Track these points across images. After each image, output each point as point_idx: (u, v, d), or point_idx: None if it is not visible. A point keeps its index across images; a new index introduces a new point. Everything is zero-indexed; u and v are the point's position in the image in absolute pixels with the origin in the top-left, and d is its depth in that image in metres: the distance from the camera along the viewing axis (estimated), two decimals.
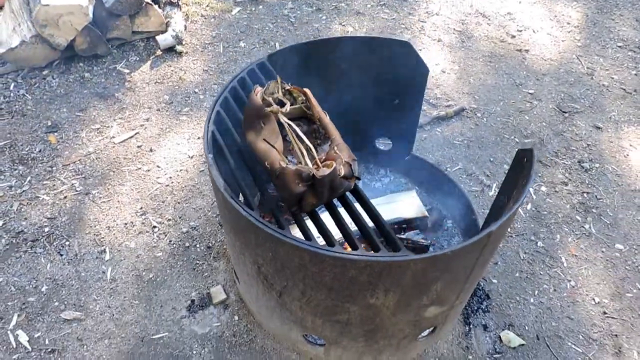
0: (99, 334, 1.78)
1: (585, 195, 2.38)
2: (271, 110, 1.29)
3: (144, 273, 1.96)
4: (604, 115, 2.82)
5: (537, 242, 2.16)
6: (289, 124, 1.28)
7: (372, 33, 3.29)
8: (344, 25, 3.38)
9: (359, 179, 1.31)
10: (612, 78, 3.08)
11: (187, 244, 2.06)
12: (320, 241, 1.25)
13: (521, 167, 1.50)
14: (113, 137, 2.51)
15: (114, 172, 2.34)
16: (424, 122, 2.67)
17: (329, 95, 2.01)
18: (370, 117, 2.12)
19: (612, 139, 2.68)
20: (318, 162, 1.21)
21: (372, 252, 1.23)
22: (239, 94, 1.63)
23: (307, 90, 1.40)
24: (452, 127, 2.70)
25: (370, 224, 1.35)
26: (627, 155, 2.59)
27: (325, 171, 1.15)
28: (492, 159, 2.52)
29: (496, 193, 2.33)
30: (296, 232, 1.38)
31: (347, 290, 1.30)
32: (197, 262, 2.00)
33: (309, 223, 1.32)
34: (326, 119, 1.36)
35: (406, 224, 1.89)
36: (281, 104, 1.38)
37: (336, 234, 1.34)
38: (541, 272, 2.06)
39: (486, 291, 1.97)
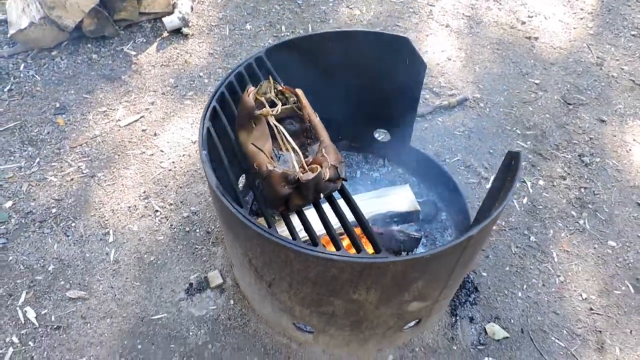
0: (102, 312, 1.88)
1: (582, 190, 2.39)
2: (261, 113, 1.33)
3: (145, 256, 2.05)
4: (609, 108, 2.79)
5: (529, 237, 2.20)
6: (278, 128, 1.32)
7: (379, 17, 3.27)
8: (351, 8, 3.36)
9: (345, 180, 1.35)
10: (622, 69, 3.04)
11: (187, 229, 2.14)
12: (307, 238, 1.31)
13: (509, 171, 1.52)
14: (119, 120, 2.57)
15: (119, 155, 2.41)
16: (426, 111, 2.68)
17: (327, 87, 2.04)
18: (369, 109, 2.14)
19: (616, 133, 2.67)
20: (304, 165, 1.25)
21: (354, 252, 1.28)
22: (236, 89, 1.67)
23: (298, 91, 1.43)
24: (454, 117, 2.70)
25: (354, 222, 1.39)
26: (630, 150, 2.58)
27: (310, 175, 1.20)
28: (491, 151, 2.53)
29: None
30: (284, 228, 1.43)
31: (331, 286, 1.36)
32: (197, 246, 2.08)
33: (297, 221, 1.38)
34: (316, 119, 1.39)
35: (399, 217, 1.93)
36: (273, 104, 1.42)
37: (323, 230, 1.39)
38: (531, 267, 2.10)
39: (475, 284, 2.02)
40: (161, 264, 2.03)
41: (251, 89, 1.40)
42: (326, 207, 1.42)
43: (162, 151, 2.44)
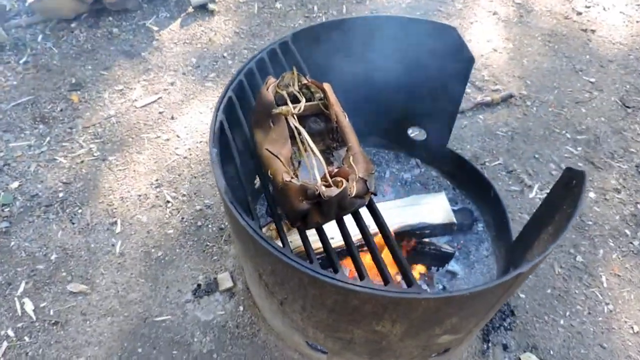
0: (103, 310, 1.75)
1: (639, 206, 2.13)
2: (281, 111, 1.14)
3: (153, 250, 1.91)
4: None
5: (576, 256, 1.97)
6: (299, 130, 1.13)
7: (419, 1, 3.01)
8: None
9: (375, 194, 1.16)
10: None
11: (199, 223, 1.98)
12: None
13: (567, 190, 1.30)
14: (135, 100, 2.41)
15: (132, 138, 2.26)
16: (466, 107, 2.44)
17: (359, 78, 1.84)
18: (405, 104, 1.93)
19: None
20: (328, 176, 1.06)
21: (379, 280, 1.10)
22: (256, 77, 1.48)
23: (326, 86, 1.23)
24: (497, 115, 2.46)
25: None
26: None
27: (334, 191, 1.01)
28: (537, 156, 2.29)
29: (537, 195, 2.13)
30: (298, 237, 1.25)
31: (350, 316, 1.18)
32: (208, 243, 1.93)
33: (314, 238, 1.20)
34: (345, 121, 1.19)
35: (431, 230, 1.73)
36: (295, 100, 1.23)
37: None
38: (576, 291, 1.88)
39: (511, 307, 1.82)
40: (169, 260, 1.88)
41: (271, 81, 1.21)
42: (350, 220, 1.23)
43: (178, 136, 2.28)
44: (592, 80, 2.64)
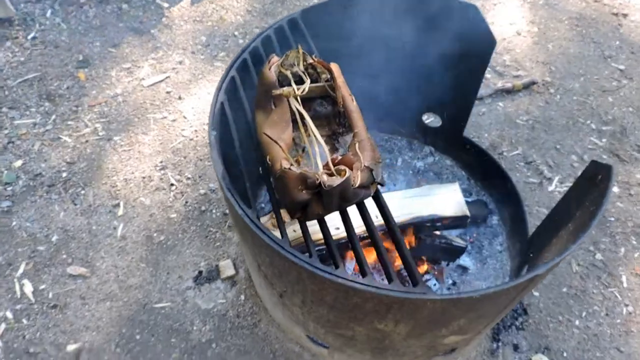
0: (102, 294, 1.72)
1: None
2: (282, 92, 1.06)
3: (155, 234, 1.86)
4: None
5: (595, 254, 1.87)
6: (301, 114, 1.05)
7: None
8: None
9: (382, 185, 1.08)
10: None
11: (203, 208, 1.93)
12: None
13: (591, 186, 1.20)
14: (143, 79, 2.35)
15: (138, 118, 2.20)
16: (485, 93, 2.33)
17: (372, 59, 1.74)
18: (420, 88, 1.83)
19: None
20: (330, 164, 0.98)
21: (385, 282, 1.02)
22: (261, 57, 1.40)
23: (334, 66, 1.15)
24: (518, 102, 2.34)
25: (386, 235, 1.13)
26: None
27: (336, 181, 0.93)
28: (558, 147, 2.17)
29: (556, 189, 2.03)
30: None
31: (352, 313, 1.11)
32: (211, 229, 1.87)
33: (315, 228, 1.12)
34: (352, 104, 1.11)
35: (442, 222, 1.64)
36: (300, 80, 1.15)
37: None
38: (594, 291, 1.78)
39: (524, 305, 1.73)
40: (171, 245, 1.83)
41: (274, 60, 1.13)
42: (355, 212, 1.15)
43: (185, 117, 2.22)
44: (622, 67, 2.49)
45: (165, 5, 2.69)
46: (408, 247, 1.64)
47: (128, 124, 2.18)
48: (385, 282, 1.04)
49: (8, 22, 2.53)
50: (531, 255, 1.52)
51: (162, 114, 2.22)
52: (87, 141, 2.11)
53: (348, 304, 1.07)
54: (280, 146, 0.98)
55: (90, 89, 2.30)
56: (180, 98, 2.28)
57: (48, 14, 2.61)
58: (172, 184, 1.99)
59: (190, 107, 2.25)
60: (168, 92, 2.30)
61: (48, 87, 2.29)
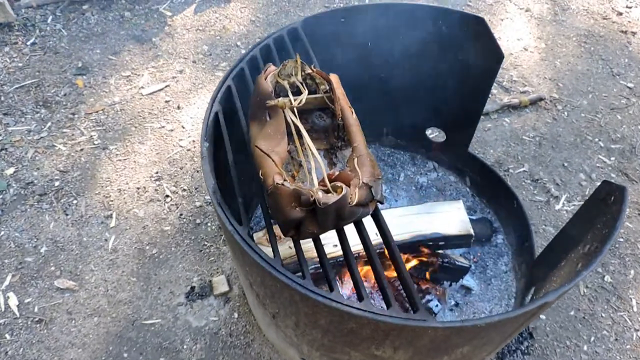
0: (90, 309, 1.65)
1: None
2: (277, 103, 1.00)
3: (147, 247, 1.80)
4: None
5: (604, 276, 1.80)
6: (296, 126, 0.99)
7: None
8: None
9: (381, 202, 1.02)
10: None
11: (198, 221, 1.87)
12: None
13: (603, 207, 1.14)
14: (142, 87, 2.31)
15: (135, 127, 2.16)
16: (491, 109, 2.27)
17: (375, 71, 1.70)
18: (424, 102, 1.78)
19: None
20: (327, 180, 0.92)
21: (384, 307, 0.96)
22: (259, 66, 1.35)
23: (333, 77, 1.10)
24: (525, 118, 2.28)
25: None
26: None
27: (331, 198, 0.87)
28: (566, 164, 2.11)
29: (564, 207, 1.96)
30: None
31: (347, 337, 1.04)
32: (205, 243, 1.81)
33: (311, 245, 1.06)
34: (351, 118, 1.05)
35: (446, 241, 1.58)
36: (298, 91, 1.09)
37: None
38: (603, 314, 1.71)
39: (530, 328, 1.66)
40: (163, 259, 1.77)
41: (271, 69, 1.08)
42: (353, 231, 1.09)
43: (183, 127, 2.17)
44: (630, 85, 2.44)
45: (169, 13, 2.66)
46: (409, 267, 1.58)
47: (125, 133, 2.13)
48: (384, 305, 0.97)
49: (8, 27, 2.50)
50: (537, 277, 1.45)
51: (159, 123, 2.18)
52: (82, 150, 2.06)
53: (343, 329, 1.01)
54: (273, 160, 0.92)
55: (88, 96, 2.26)
56: (179, 107, 2.24)
57: (49, 20, 2.58)
58: (167, 196, 1.93)
59: (189, 117, 2.20)
60: (167, 101, 2.26)
61: (45, 94, 2.25)
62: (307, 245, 1.09)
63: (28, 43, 2.47)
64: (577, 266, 1.18)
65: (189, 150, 2.09)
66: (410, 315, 0.93)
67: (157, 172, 2.00)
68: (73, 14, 2.63)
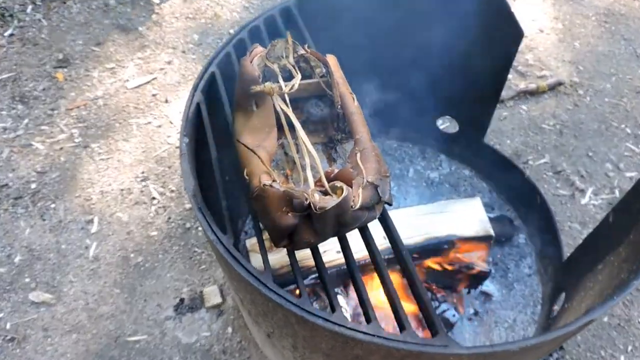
0: (68, 325, 1.49)
1: None
2: (263, 89, 0.83)
3: (132, 255, 1.63)
4: None
5: None
6: (287, 117, 0.82)
7: None
8: None
9: (389, 204, 0.84)
10: None
11: (187, 225, 1.70)
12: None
13: None
14: (127, 80, 2.14)
15: (120, 123, 1.99)
16: (507, 96, 2.09)
17: (379, 55, 1.52)
18: (434, 89, 1.59)
19: None
20: (324, 180, 0.75)
21: (397, 330, 0.79)
22: (247, 49, 1.17)
23: (330, 58, 0.92)
24: (543, 105, 2.10)
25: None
26: None
27: (329, 201, 0.70)
28: (590, 154, 1.93)
29: (590, 201, 1.78)
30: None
31: None
32: (196, 249, 1.64)
33: (308, 253, 0.89)
34: (352, 105, 0.88)
35: (462, 244, 1.40)
36: (290, 76, 0.92)
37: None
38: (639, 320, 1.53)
39: None
40: (149, 267, 1.61)
41: (258, 50, 0.90)
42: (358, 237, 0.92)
43: (171, 123, 2.00)
44: None
45: (156, 1, 2.48)
46: (422, 276, 1.41)
47: (108, 129, 1.97)
48: (396, 327, 0.81)
49: None
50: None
51: (146, 118, 2.01)
52: (61, 148, 1.90)
53: (348, 355, 0.84)
54: (260, 157, 0.75)
55: (68, 90, 2.09)
56: (167, 101, 2.07)
57: (28, 10, 2.41)
58: (153, 198, 1.77)
59: (177, 111, 2.03)
60: (154, 95, 2.09)
61: (22, 89, 2.08)
62: (306, 251, 0.93)
63: (5, 34, 2.30)
64: (620, 270, 1.01)
65: (177, 147, 1.91)
66: (429, 341, 0.76)
67: (143, 172, 1.84)
68: (54, 3, 2.45)
